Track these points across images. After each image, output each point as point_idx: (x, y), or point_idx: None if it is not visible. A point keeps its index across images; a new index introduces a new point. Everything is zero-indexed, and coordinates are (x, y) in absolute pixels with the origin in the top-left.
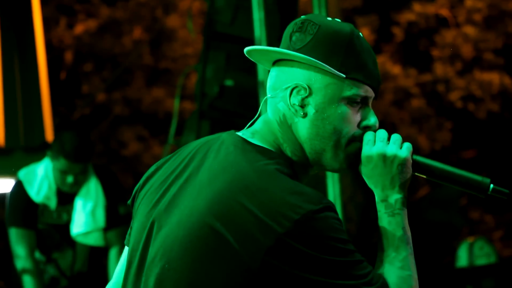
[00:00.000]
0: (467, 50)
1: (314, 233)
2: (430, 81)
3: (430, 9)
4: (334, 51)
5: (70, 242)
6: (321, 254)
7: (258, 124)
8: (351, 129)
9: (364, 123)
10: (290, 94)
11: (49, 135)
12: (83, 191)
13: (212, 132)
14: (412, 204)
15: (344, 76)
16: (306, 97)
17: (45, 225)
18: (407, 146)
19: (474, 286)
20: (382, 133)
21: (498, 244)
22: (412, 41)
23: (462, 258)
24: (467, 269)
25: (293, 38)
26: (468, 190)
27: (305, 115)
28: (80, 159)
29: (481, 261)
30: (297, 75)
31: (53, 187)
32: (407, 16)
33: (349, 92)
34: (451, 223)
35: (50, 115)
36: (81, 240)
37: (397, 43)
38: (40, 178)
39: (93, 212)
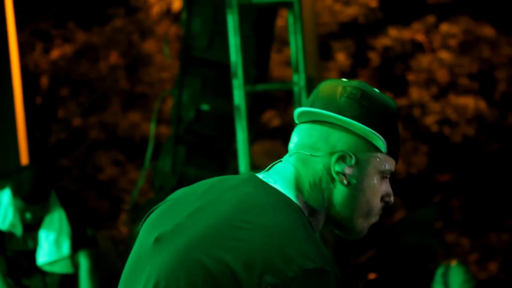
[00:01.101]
0: (442, 75)
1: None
2: (406, 105)
3: (406, 34)
4: (384, 126)
5: (38, 269)
6: None
7: (283, 174)
8: (378, 202)
9: (386, 199)
10: (336, 160)
11: (24, 160)
12: (46, 220)
13: (188, 156)
14: (388, 228)
15: (387, 151)
16: (351, 166)
17: (12, 252)
18: None
19: None
20: None
21: (473, 267)
22: (388, 65)
23: (439, 283)
24: None
25: (343, 103)
26: None
27: (347, 184)
28: (37, 201)
29: (463, 287)
30: (344, 142)
31: (18, 215)
32: (383, 41)
33: (385, 167)
34: (427, 246)
35: (26, 140)
36: (48, 269)
37: (373, 67)
38: (5, 205)
39: (56, 242)
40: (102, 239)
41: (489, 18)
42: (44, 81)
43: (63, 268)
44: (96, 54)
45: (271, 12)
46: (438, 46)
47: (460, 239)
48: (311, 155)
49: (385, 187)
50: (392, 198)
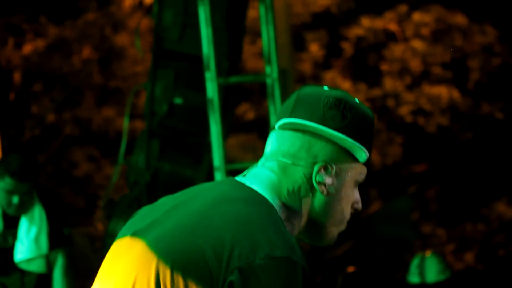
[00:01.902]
0: (415, 64)
1: (277, 276)
2: (380, 95)
3: (378, 24)
4: (364, 136)
5: (16, 267)
6: None
7: (260, 178)
8: (350, 209)
9: (356, 206)
10: (318, 170)
11: None
12: (27, 216)
13: (161, 150)
14: (365, 220)
15: (364, 162)
16: (331, 176)
17: None
18: None
19: None
20: None
21: (450, 258)
22: (361, 56)
23: (414, 274)
24: (419, 285)
25: (327, 114)
26: None
27: (326, 193)
28: (26, 179)
29: (437, 277)
30: (326, 152)
31: (1, 206)
32: (355, 31)
33: (361, 176)
34: (404, 237)
35: None
36: (24, 266)
37: (347, 58)
38: None
39: (36, 239)
40: (78, 236)
41: (460, 6)
42: (17, 76)
43: (39, 267)
44: (68, 49)
45: (242, 3)
46: (411, 35)
47: (436, 230)
48: (293, 163)
49: (356, 194)
50: (360, 205)
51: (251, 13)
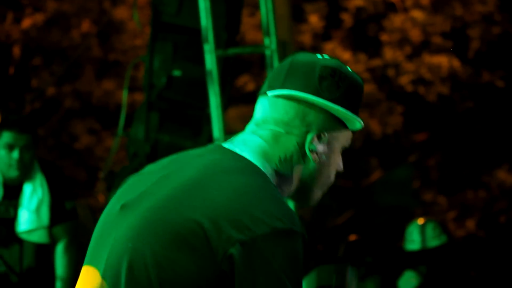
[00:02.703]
0: (415, 34)
1: (280, 247)
2: (380, 65)
3: None
4: (356, 106)
5: (16, 237)
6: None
7: (250, 146)
8: (335, 172)
9: (338, 168)
10: (312, 139)
11: None
12: (29, 186)
13: (161, 122)
14: (366, 189)
15: (354, 130)
16: (323, 144)
17: None
18: None
19: (427, 267)
20: None
21: (451, 225)
22: (361, 26)
23: (410, 241)
24: (420, 252)
25: (321, 84)
26: None
27: (318, 161)
28: (25, 129)
29: (433, 242)
30: (320, 121)
31: (2, 164)
32: (355, 2)
33: (348, 142)
34: (405, 205)
35: None
36: (26, 237)
37: (346, 29)
38: None
39: (37, 210)
40: (80, 208)
41: None
42: (16, 51)
43: (40, 237)
44: (67, 23)
45: None
46: (411, 5)
47: (437, 198)
48: (286, 132)
49: (340, 158)
50: (342, 166)
51: None
